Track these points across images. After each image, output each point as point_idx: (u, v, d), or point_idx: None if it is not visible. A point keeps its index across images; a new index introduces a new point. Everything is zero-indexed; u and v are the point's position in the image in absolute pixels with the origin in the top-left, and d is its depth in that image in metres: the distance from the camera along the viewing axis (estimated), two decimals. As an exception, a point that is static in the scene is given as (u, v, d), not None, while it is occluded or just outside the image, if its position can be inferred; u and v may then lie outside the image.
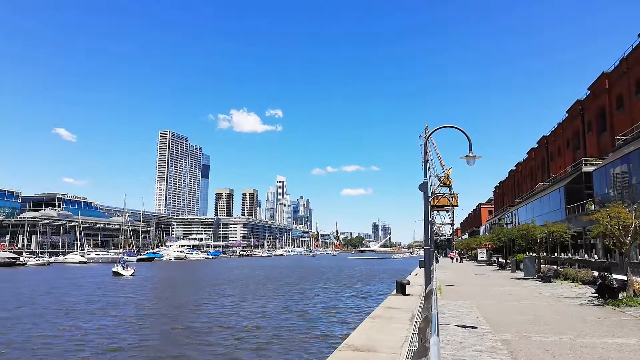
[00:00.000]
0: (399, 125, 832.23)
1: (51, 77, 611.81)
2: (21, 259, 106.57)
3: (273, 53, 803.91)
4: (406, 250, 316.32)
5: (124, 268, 69.51)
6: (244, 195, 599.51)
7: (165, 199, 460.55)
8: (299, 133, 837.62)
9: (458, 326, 12.61)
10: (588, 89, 47.49)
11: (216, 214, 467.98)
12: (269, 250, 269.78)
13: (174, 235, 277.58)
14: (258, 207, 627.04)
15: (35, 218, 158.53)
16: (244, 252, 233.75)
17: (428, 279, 17.14)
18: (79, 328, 24.38)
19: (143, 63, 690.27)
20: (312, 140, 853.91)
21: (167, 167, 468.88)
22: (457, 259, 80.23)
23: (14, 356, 18.40)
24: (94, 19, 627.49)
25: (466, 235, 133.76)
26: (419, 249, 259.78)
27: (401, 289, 21.37)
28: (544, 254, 40.95)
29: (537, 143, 68.57)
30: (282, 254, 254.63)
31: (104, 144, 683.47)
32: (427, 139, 26.81)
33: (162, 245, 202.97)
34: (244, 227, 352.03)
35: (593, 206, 33.55)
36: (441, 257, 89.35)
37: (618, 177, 31.69)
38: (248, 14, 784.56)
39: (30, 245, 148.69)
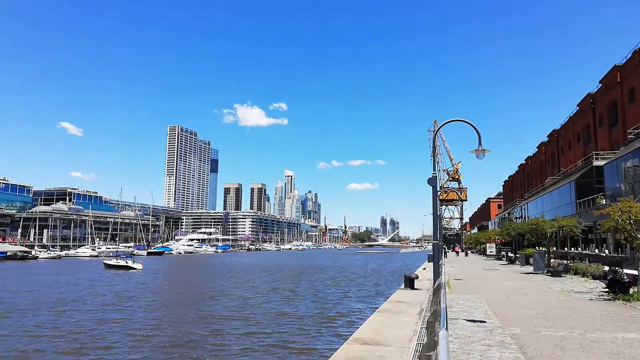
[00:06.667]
0: (405, 119, 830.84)
1: (55, 73, 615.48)
2: (33, 252, 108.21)
3: (275, 48, 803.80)
4: (415, 244, 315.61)
5: (126, 262, 69.71)
6: (252, 189, 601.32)
7: (175, 194, 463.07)
8: (303, 126, 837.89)
9: (467, 320, 12.59)
10: (599, 82, 46.89)
11: (225, 208, 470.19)
12: (277, 245, 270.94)
13: (183, 229, 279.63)
14: (266, 202, 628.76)
15: (46, 212, 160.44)
16: (253, 246, 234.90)
17: (437, 273, 17.11)
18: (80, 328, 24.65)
19: (146, 59, 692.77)
20: (316, 134, 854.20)
21: (176, 162, 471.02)
22: (457, 253, 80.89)
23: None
24: (102, 18, 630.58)
25: (475, 230, 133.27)
26: (428, 243, 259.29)
27: (410, 283, 21.37)
28: (554, 248, 40.70)
29: (547, 137, 67.96)
30: (290, 248, 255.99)
31: (111, 139, 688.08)
32: (436, 133, 26.63)
33: (171, 239, 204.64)
34: (252, 221, 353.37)
35: (604, 200, 33.24)
36: (449, 251, 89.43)
37: (629, 171, 31.35)
38: (249, 11, 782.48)
39: (41, 239, 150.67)
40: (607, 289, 18.23)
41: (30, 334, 21.35)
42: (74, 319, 25.31)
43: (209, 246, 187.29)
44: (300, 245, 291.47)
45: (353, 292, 39.02)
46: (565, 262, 33.40)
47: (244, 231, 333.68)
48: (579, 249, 40.18)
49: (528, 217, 57.10)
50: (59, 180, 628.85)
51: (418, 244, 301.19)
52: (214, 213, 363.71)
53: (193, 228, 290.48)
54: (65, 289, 41.11)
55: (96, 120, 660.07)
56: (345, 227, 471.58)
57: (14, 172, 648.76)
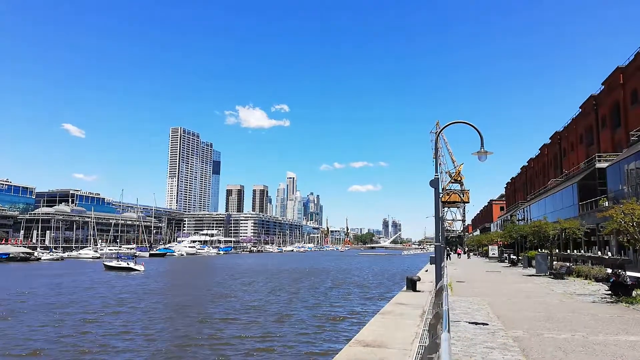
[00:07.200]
0: (406, 119, 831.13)
1: (56, 73, 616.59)
2: (35, 254, 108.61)
3: (275, 48, 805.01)
4: (417, 246, 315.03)
5: (127, 264, 69.84)
6: (254, 191, 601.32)
7: (177, 195, 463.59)
8: (305, 128, 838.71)
9: (469, 323, 12.57)
10: (602, 84, 46.82)
11: (227, 210, 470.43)
12: (279, 246, 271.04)
13: (185, 231, 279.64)
14: (268, 203, 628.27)
15: (49, 214, 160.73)
16: (255, 248, 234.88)
17: (439, 275, 17.07)
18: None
19: (148, 60, 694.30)
20: (318, 136, 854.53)
21: (179, 163, 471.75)
22: (459, 255, 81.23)
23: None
24: (103, 18, 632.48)
25: (477, 232, 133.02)
26: (430, 245, 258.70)
27: (412, 285, 21.33)
28: (557, 250, 40.58)
29: (549, 139, 67.86)
30: (292, 250, 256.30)
31: (113, 140, 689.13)
32: (438, 135, 26.65)
33: (174, 241, 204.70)
34: (254, 223, 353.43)
35: (607, 202, 33.15)
36: (452, 253, 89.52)
37: (632, 173, 31.26)
38: (249, 11, 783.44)
39: (44, 240, 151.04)
40: (610, 292, 18.16)
41: (30, 335, 21.37)
42: (73, 320, 25.34)
43: (211, 248, 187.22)
44: (302, 247, 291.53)
45: (355, 294, 38.97)
46: (567, 264, 33.29)
47: (246, 233, 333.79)
48: (582, 251, 40.03)
49: (530, 219, 56.94)
50: (62, 181, 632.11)
51: (420, 246, 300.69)
52: (216, 215, 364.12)
53: (195, 230, 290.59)
54: (65, 290, 41.16)
55: (98, 121, 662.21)
56: (347, 229, 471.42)
57: (17, 173, 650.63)
